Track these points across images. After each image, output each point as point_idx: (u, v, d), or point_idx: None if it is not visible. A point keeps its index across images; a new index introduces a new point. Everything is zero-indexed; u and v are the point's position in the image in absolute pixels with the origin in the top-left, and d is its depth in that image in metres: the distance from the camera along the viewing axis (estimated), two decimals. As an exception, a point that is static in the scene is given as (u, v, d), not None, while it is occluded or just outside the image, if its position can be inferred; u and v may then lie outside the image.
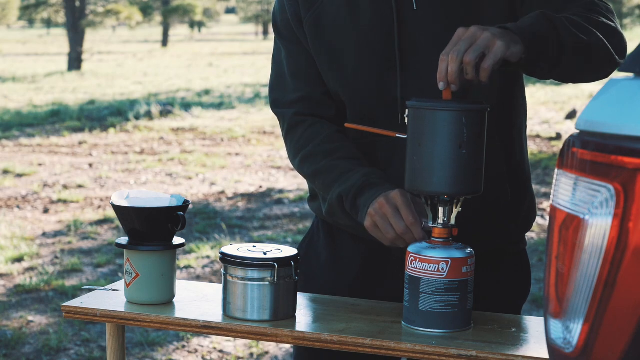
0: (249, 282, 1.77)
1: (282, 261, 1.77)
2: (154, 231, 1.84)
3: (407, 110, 1.70)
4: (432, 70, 1.76)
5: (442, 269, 1.68)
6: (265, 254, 1.78)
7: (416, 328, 1.71)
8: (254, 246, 1.82)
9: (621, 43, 1.79)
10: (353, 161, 1.89)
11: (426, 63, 1.84)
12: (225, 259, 1.79)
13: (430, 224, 1.73)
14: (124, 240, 1.88)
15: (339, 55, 1.90)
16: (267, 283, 1.76)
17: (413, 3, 1.85)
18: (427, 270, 1.68)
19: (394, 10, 1.85)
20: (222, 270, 1.81)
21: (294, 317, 1.80)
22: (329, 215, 1.93)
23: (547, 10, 1.76)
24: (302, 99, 1.96)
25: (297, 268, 1.80)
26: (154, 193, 1.90)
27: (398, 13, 1.85)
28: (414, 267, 1.70)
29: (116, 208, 1.86)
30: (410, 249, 1.72)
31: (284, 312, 1.79)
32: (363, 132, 1.89)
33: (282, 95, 1.99)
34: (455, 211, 1.72)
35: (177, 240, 1.89)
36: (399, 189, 1.77)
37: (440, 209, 1.71)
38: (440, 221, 1.71)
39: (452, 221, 1.72)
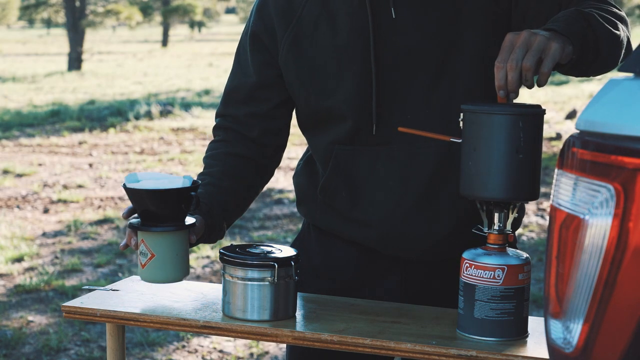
0: (249, 282, 1.76)
1: (282, 261, 1.77)
2: (168, 212, 1.83)
3: (461, 114, 1.67)
4: (412, 80, 1.81)
5: (498, 276, 1.65)
6: (265, 254, 1.78)
7: (471, 336, 1.68)
8: (254, 246, 1.82)
9: (630, 33, 1.83)
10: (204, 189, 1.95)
11: (405, 73, 1.84)
12: (225, 258, 1.78)
13: (486, 230, 1.70)
14: (136, 221, 1.86)
15: (318, 71, 1.89)
16: (267, 283, 1.76)
17: (392, 11, 1.84)
18: (482, 277, 1.65)
19: (369, 22, 1.84)
20: (222, 270, 1.81)
21: (294, 317, 1.80)
22: None
23: (550, 6, 1.78)
24: (227, 115, 2.03)
25: (297, 268, 1.80)
26: (163, 175, 1.89)
27: (374, 23, 1.84)
28: (469, 274, 1.67)
29: (130, 191, 1.83)
30: (465, 255, 1.69)
31: (284, 312, 1.79)
32: (345, 140, 1.90)
33: (222, 102, 2.06)
34: (511, 217, 1.69)
35: (188, 220, 1.88)
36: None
37: (496, 215, 1.68)
38: (496, 227, 1.68)
39: (508, 227, 1.69)
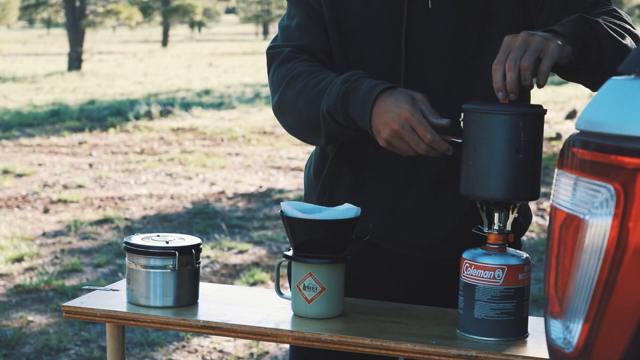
0: (152, 270, 1.83)
1: (183, 249, 1.83)
2: (340, 242, 1.76)
3: (462, 114, 1.67)
4: (436, 70, 1.81)
5: (498, 276, 1.65)
6: (167, 242, 1.85)
7: (471, 336, 1.68)
8: (158, 235, 1.90)
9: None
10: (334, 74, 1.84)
11: (431, 63, 1.84)
12: (128, 247, 1.85)
13: (486, 230, 1.70)
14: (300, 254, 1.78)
15: (350, 38, 1.89)
16: (169, 270, 1.82)
17: (429, 1, 1.84)
18: (482, 277, 1.65)
19: (405, 7, 1.84)
20: (126, 258, 1.86)
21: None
22: (328, 138, 1.85)
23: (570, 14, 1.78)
24: (301, 46, 1.92)
25: (198, 256, 1.86)
26: (306, 205, 1.81)
27: (410, 10, 1.84)
28: (469, 274, 1.67)
29: (307, 222, 1.73)
30: (465, 255, 1.69)
31: (186, 299, 1.85)
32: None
33: (282, 41, 1.95)
34: (511, 217, 1.69)
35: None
36: (396, 92, 1.71)
37: (496, 215, 1.68)
38: (496, 227, 1.68)
39: (508, 227, 1.69)
